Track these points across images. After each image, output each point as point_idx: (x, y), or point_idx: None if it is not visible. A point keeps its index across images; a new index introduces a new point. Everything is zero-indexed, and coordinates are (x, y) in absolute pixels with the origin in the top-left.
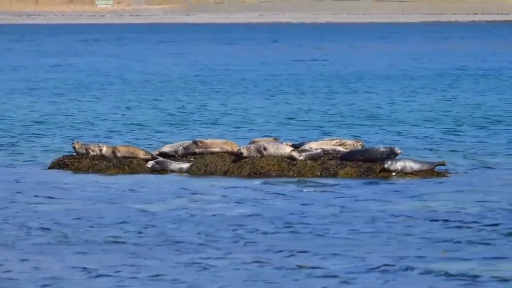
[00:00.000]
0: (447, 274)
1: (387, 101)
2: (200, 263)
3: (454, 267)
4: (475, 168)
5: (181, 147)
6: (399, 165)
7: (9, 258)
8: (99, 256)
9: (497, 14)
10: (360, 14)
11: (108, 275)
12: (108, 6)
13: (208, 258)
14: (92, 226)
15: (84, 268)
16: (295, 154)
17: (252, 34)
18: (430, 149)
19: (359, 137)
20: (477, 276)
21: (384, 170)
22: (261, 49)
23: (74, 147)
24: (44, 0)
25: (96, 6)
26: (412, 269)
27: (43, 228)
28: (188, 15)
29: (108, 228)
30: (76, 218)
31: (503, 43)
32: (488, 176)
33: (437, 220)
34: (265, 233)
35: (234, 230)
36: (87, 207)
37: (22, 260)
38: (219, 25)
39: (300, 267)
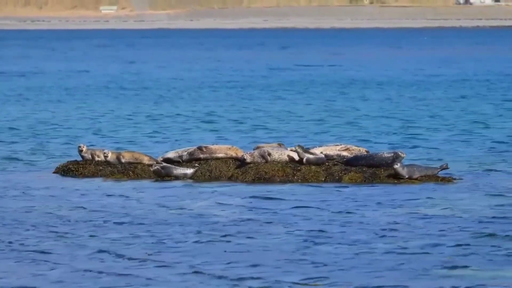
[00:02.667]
0: (451, 279)
1: (393, 106)
2: (200, 270)
3: (458, 273)
4: (480, 174)
5: (186, 153)
6: (404, 171)
7: (11, 262)
8: (97, 261)
9: (501, 19)
10: (364, 20)
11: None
12: (112, 11)
13: (205, 263)
14: (92, 231)
15: (85, 272)
16: (295, 155)
17: (259, 39)
18: (435, 155)
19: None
20: (481, 282)
21: (390, 175)
22: (271, 54)
23: (81, 150)
24: (48, 6)
25: (100, 11)
26: (416, 273)
27: (46, 233)
28: (192, 20)
29: (108, 232)
30: (77, 223)
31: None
32: (493, 182)
33: (441, 225)
34: (265, 238)
35: (234, 235)
36: (89, 212)
37: (23, 263)
38: (223, 31)
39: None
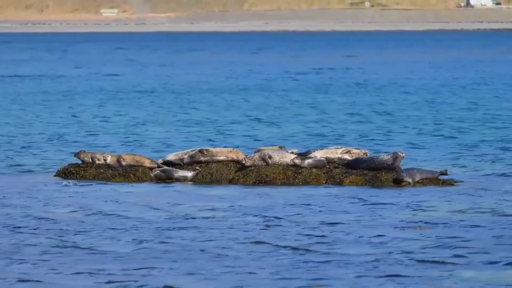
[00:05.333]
0: (449, 281)
1: (396, 109)
2: (203, 272)
3: (460, 275)
4: (480, 177)
5: (187, 155)
6: (405, 174)
7: (11, 264)
8: (98, 264)
9: (502, 22)
10: (365, 22)
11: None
12: (113, 14)
13: (205, 265)
14: (92, 234)
15: (88, 274)
16: (297, 161)
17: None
18: (435, 157)
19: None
20: (479, 284)
21: (391, 178)
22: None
23: (81, 157)
24: (49, 9)
25: (101, 14)
26: (415, 276)
27: (47, 237)
28: (193, 23)
29: (109, 235)
30: (78, 226)
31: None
32: (494, 185)
33: (442, 227)
34: (265, 240)
35: (235, 237)
36: (89, 215)
37: (25, 266)
38: (224, 34)
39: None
